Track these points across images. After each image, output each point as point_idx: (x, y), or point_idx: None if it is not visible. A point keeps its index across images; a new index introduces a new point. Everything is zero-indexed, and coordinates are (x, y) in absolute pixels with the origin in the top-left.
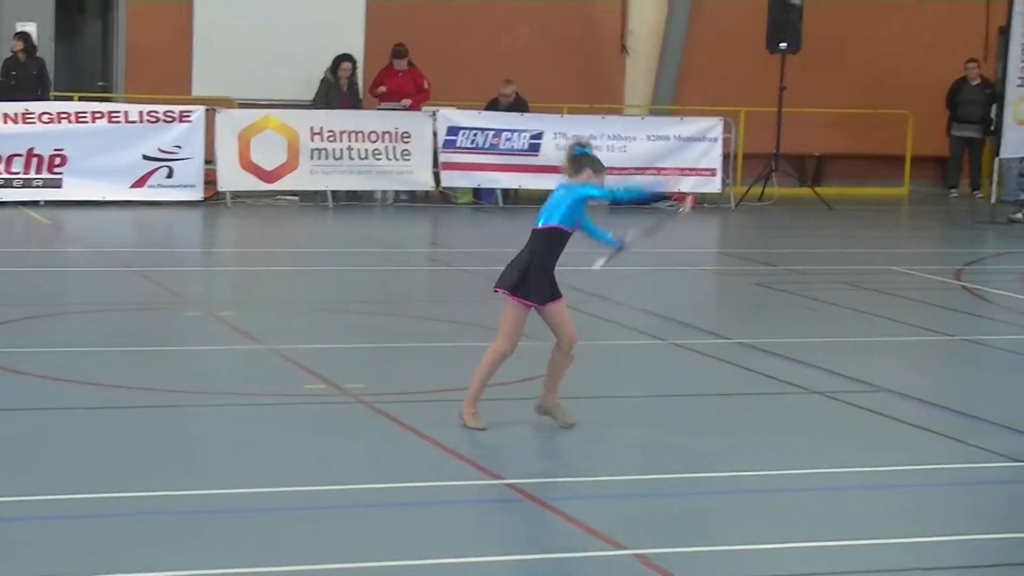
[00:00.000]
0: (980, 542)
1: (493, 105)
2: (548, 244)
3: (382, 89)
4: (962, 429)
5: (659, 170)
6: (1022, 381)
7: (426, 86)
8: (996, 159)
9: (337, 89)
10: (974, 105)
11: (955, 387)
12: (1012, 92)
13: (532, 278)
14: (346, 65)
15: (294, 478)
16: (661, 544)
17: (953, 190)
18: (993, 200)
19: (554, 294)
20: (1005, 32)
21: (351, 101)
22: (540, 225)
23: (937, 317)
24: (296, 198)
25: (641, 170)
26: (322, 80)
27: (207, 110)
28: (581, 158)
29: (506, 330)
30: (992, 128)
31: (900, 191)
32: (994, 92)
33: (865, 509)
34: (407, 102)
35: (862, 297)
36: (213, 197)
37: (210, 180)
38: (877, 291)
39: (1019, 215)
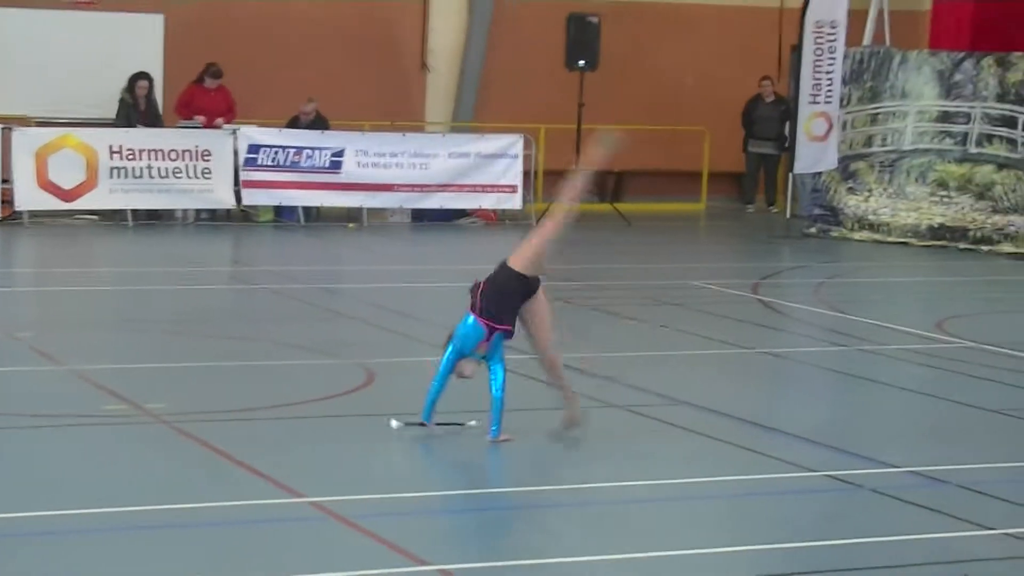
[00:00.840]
0: (777, 551)
1: (294, 123)
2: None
3: (201, 119)
4: (761, 441)
5: (461, 187)
6: (817, 392)
7: (233, 105)
8: (790, 175)
9: (135, 108)
10: (769, 122)
11: (753, 399)
12: (804, 109)
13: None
14: (142, 83)
15: (93, 499)
16: (465, 560)
17: (749, 205)
18: (788, 215)
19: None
20: (797, 50)
21: (150, 119)
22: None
23: (735, 330)
24: (95, 217)
25: (443, 187)
26: (120, 100)
27: (3, 128)
28: None
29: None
30: (786, 144)
31: (698, 207)
32: (788, 109)
33: (670, 521)
34: (221, 121)
35: (662, 311)
36: (10, 217)
37: (7, 199)
38: (676, 305)
39: (813, 229)
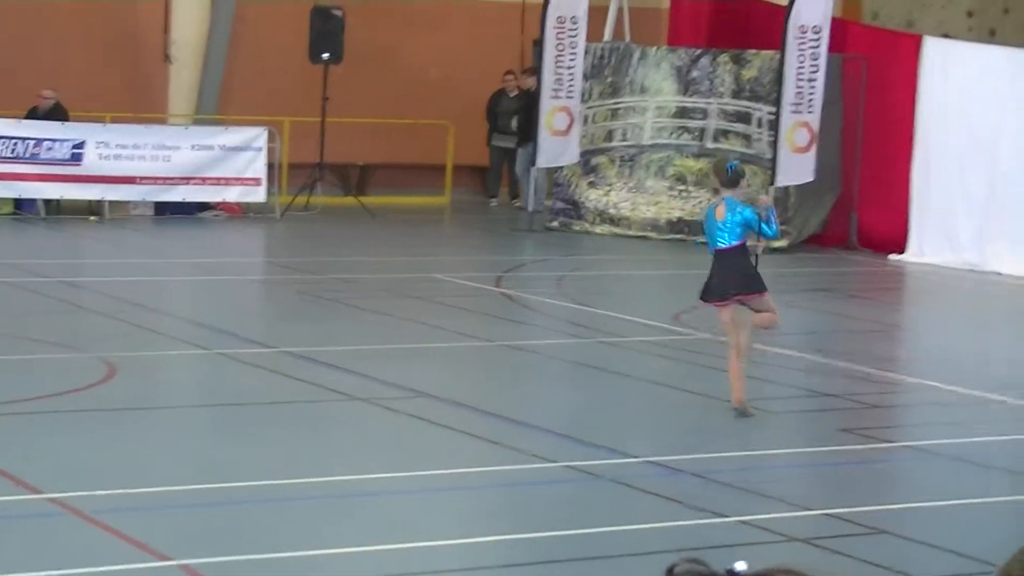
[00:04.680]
0: (519, 541)
1: (32, 114)
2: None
3: None
4: (503, 432)
5: (204, 180)
6: (559, 384)
7: None
8: (533, 169)
9: None
10: (512, 116)
11: (495, 391)
12: (546, 103)
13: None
14: None
15: None
16: (207, 554)
17: (493, 199)
18: (531, 209)
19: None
20: (539, 45)
21: None
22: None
23: (478, 323)
24: None
25: (186, 180)
26: None
27: None
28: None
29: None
30: (518, 138)
31: (442, 200)
32: (531, 103)
33: (416, 512)
34: None
35: (405, 304)
36: None
37: None
38: (419, 298)
39: (555, 223)
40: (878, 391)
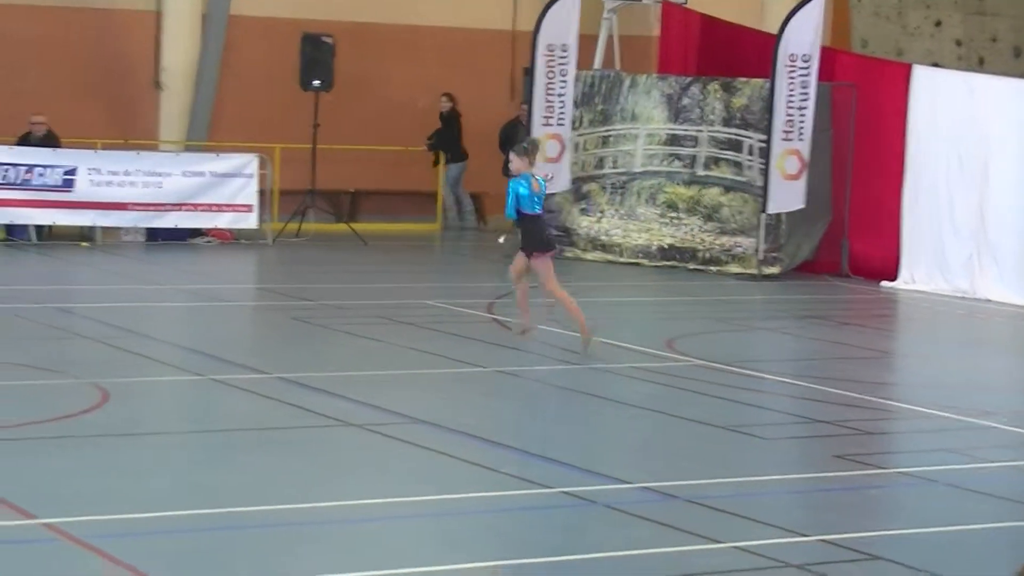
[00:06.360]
0: (514, 567)
1: (25, 139)
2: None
3: None
4: (496, 458)
5: (196, 206)
6: (552, 410)
7: None
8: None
9: None
10: None
11: (488, 417)
12: (538, 131)
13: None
14: None
15: None
16: None
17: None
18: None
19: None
20: (530, 73)
21: None
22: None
23: (470, 349)
24: None
25: (177, 206)
26: None
27: None
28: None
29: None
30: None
31: (433, 227)
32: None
33: (412, 538)
34: None
35: (398, 331)
36: None
37: None
38: (412, 325)
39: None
40: (871, 417)
